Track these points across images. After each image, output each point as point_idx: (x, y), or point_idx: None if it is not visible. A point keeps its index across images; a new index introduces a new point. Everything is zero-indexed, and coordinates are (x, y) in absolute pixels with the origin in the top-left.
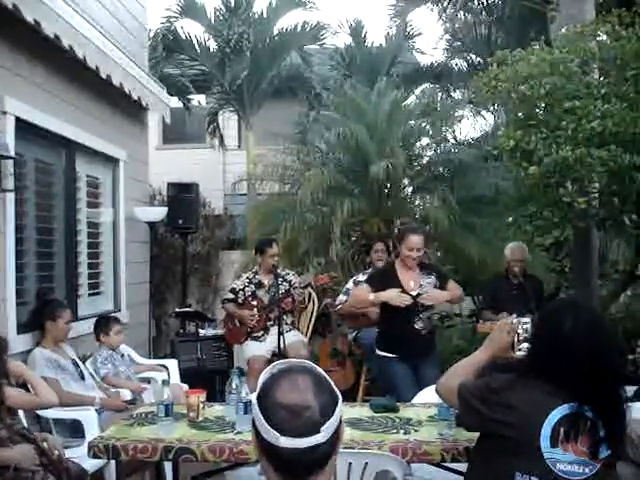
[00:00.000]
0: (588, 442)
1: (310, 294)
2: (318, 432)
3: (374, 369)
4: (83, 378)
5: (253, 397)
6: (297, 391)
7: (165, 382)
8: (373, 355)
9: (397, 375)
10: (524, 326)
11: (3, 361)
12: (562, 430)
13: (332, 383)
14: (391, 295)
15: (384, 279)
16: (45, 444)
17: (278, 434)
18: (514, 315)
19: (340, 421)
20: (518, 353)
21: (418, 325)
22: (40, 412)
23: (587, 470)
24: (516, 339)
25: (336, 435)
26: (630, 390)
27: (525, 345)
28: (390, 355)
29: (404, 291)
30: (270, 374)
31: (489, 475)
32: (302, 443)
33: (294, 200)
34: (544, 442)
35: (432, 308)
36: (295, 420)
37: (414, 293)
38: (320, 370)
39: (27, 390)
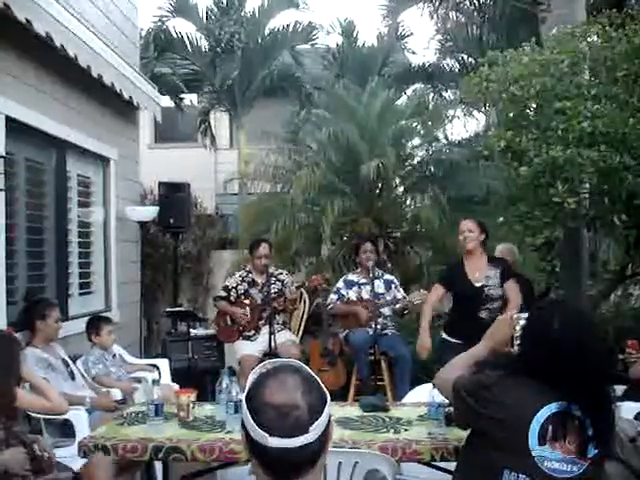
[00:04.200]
0: (576, 441)
1: (302, 294)
2: (307, 432)
3: (364, 369)
4: (73, 378)
5: (242, 397)
6: (285, 391)
7: (155, 382)
8: (363, 355)
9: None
10: (522, 322)
11: (17, 361)
12: (550, 428)
13: (320, 382)
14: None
15: (452, 272)
16: (35, 446)
17: (266, 434)
18: (514, 310)
19: (329, 420)
20: (517, 348)
21: (483, 314)
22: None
23: (575, 468)
24: (515, 334)
25: (325, 434)
26: (619, 390)
27: None
28: (454, 340)
29: (470, 283)
30: (258, 374)
31: (478, 472)
32: (291, 443)
33: (285, 200)
34: (532, 440)
35: (500, 299)
36: (283, 420)
37: (479, 284)
38: (308, 369)
39: None
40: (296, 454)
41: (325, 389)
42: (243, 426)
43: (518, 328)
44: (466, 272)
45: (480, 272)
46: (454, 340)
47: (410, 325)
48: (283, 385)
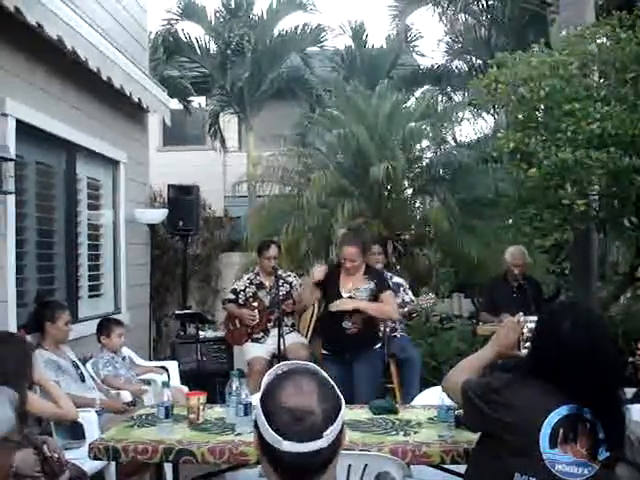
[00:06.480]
0: (587, 443)
1: None
2: (320, 437)
3: None
4: (83, 380)
5: (256, 398)
6: (301, 394)
7: (165, 384)
8: None
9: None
10: (530, 325)
11: (30, 364)
12: (561, 431)
13: (336, 388)
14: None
15: (327, 278)
16: (45, 447)
17: (280, 438)
18: (520, 314)
19: (342, 426)
20: (524, 351)
21: (345, 324)
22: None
23: (586, 471)
24: (522, 337)
25: (338, 440)
26: (629, 392)
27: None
28: (324, 352)
29: (338, 292)
30: (274, 375)
31: (488, 475)
32: (304, 448)
33: (294, 202)
34: (543, 443)
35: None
36: (298, 425)
37: (346, 295)
38: (324, 374)
39: None
40: (308, 459)
41: (340, 394)
42: (256, 427)
43: (525, 331)
44: (339, 280)
45: (353, 283)
46: (325, 352)
47: (419, 328)
48: (299, 389)
